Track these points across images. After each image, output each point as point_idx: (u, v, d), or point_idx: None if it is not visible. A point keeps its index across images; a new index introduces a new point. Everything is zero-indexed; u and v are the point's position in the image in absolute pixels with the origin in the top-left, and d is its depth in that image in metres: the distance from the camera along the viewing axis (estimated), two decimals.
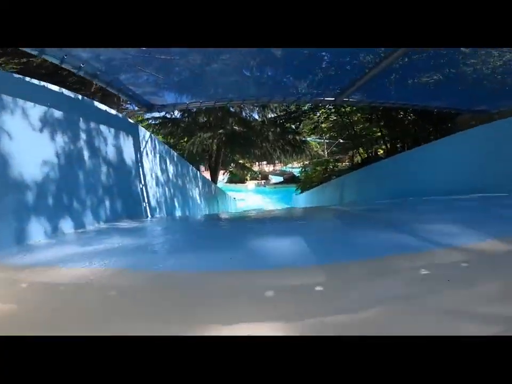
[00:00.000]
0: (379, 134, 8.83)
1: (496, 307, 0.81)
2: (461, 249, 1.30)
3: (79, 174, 2.49)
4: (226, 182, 21.50)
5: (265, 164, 21.47)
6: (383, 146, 9.48)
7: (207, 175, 12.05)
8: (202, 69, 3.00)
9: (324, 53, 2.88)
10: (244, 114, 11.14)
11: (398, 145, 8.11)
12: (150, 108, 3.93)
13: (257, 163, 17.89)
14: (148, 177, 3.97)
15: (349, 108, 8.71)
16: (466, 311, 0.81)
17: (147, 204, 3.79)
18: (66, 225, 2.23)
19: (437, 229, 1.71)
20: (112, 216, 2.84)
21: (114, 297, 1.08)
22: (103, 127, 2.92)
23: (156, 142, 4.42)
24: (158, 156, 4.40)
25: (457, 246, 1.33)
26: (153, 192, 4.06)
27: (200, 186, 7.45)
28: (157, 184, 4.24)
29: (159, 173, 4.39)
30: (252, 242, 1.82)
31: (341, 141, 11.57)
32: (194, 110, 10.54)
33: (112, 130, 3.10)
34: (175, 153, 5.46)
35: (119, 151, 3.19)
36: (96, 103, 2.97)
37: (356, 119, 9.19)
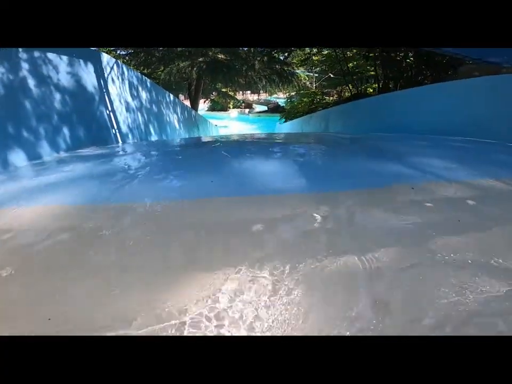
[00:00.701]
0: (372, 72, 8.30)
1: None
2: (463, 184, 1.39)
3: (25, 103, 2.22)
4: (207, 110, 20.19)
5: (250, 93, 20.03)
6: (374, 85, 9.03)
7: (186, 103, 11.24)
8: None
9: None
10: None
11: (391, 86, 7.77)
12: None
13: (241, 92, 16.60)
14: (116, 104, 3.62)
15: None
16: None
17: (117, 130, 3.58)
18: (18, 158, 2.07)
19: (435, 163, 1.80)
20: (74, 144, 2.68)
21: (76, 238, 1.00)
22: (51, 55, 2.53)
23: (124, 68, 3.89)
24: (127, 82, 3.93)
25: (458, 181, 1.42)
26: (123, 118, 3.77)
27: (179, 113, 7.00)
28: (127, 110, 3.90)
29: (130, 99, 3.99)
30: (235, 166, 1.77)
31: (332, 75, 10.76)
32: None
33: (64, 58, 2.71)
34: (148, 80, 4.89)
35: (75, 78, 2.85)
36: None
37: (350, 55, 8.40)
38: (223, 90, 12.99)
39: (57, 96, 2.57)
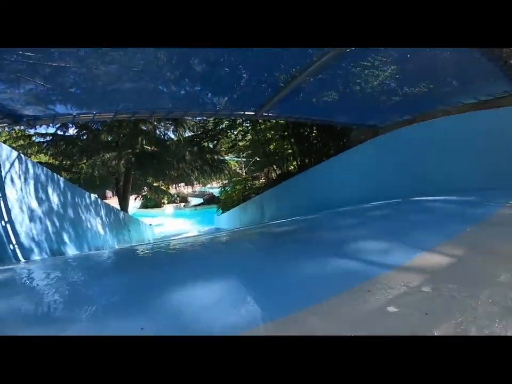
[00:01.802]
0: (290, 150, 9.49)
1: None
2: (406, 268, 1.20)
3: None
4: (140, 208, 19.42)
5: (183, 186, 20.48)
6: (294, 163, 10.24)
7: (114, 201, 10.51)
8: (102, 77, 2.46)
9: (243, 71, 2.86)
10: (158, 132, 10.30)
11: (306, 161, 8.86)
12: (17, 120, 3.00)
13: (174, 185, 16.84)
14: (16, 211, 2.97)
15: (264, 125, 9.13)
16: None
17: (16, 244, 2.81)
18: None
19: (370, 247, 1.62)
20: None
21: None
22: None
23: (29, 164, 3.40)
24: (31, 182, 3.38)
25: (399, 266, 1.23)
26: (25, 228, 3.06)
27: (103, 216, 6.28)
28: (31, 219, 3.21)
29: (35, 204, 3.36)
30: (170, 296, 1.29)
31: (257, 158, 11.96)
32: (95, 126, 9.15)
33: None
34: (62, 178, 4.39)
35: None
36: None
37: (270, 136, 9.64)
38: (155, 184, 12.86)
39: None
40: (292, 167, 10.80)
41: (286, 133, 8.16)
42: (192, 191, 22.85)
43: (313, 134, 7.73)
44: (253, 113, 3.90)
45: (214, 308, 1.08)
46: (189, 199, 22.77)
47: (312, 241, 2.14)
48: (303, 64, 2.69)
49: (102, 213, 6.29)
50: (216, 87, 3.16)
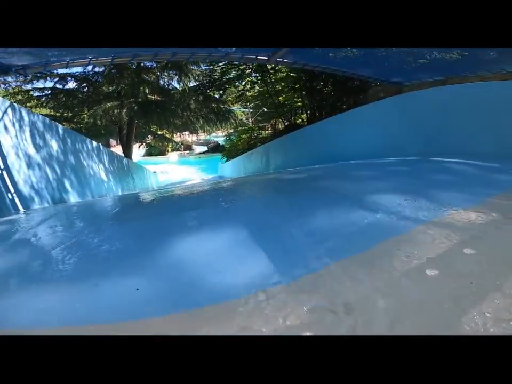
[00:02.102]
0: (300, 103, 8.94)
1: None
2: (438, 224, 1.10)
3: None
4: (144, 156, 19.34)
5: (188, 134, 19.97)
6: (303, 115, 9.74)
7: (118, 149, 10.43)
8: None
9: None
10: (161, 82, 9.71)
11: (317, 114, 8.40)
12: (5, 70, 2.75)
13: (178, 133, 16.40)
14: (12, 158, 2.90)
15: (274, 77, 8.43)
16: None
17: (14, 193, 2.81)
18: None
19: (395, 201, 1.48)
20: None
21: None
22: None
23: (23, 112, 3.22)
24: (27, 129, 3.25)
25: (430, 221, 1.11)
26: (23, 176, 3.03)
27: (106, 163, 6.24)
28: (29, 166, 3.17)
29: (32, 151, 3.28)
30: (175, 249, 1.19)
31: (265, 109, 11.38)
32: (95, 78, 8.70)
33: None
34: (60, 126, 4.21)
35: None
36: None
37: (280, 88, 9.03)
38: (159, 133, 12.58)
39: None
40: (300, 120, 10.33)
41: (297, 85, 7.58)
42: (197, 139, 22.40)
43: (327, 88, 7.16)
44: (266, 58, 3.55)
45: (222, 264, 0.98)
46: (193, 147, 22.46)
47: (330, 190, 1.98)
48: None
49: (105, 159, 6.24)
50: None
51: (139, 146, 14.19)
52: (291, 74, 7.60)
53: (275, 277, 0.87)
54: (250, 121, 14.01)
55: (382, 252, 0.95)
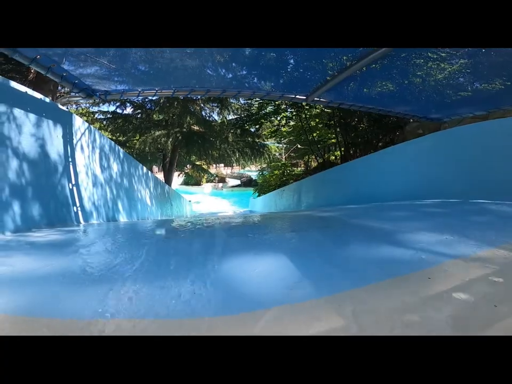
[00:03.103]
0: (333, 140, 9.16)
1: None
2: (470, 260, 1.15)
3: None
4: (181, 184, 20.52)
5: (223, 166, 21.02)
6: (337, 152, 9.89)
7: (160, 176, 11.25)
8: (163, 62, 2.66)
9: (290, 56, 2.82)
10: (203, 114, 10.67)
11: (351, 152, 8.50)
12: (90, 94, 3.33)
13: (214, 165, 17.37)
14: (82, 176, 3.36)
15: (309, 113, 8.85)
16: None
17: (79, 208, 3.18)
18: None
19: (428, 239, 1.54)
20: (25, 225, 2.24)
21: None
22: (17, 112, 2.32)
23: (97, 135, 3.79)
24: (97, 150, 3.77)
25: (463, 257, 1.17)
26: (88, 193, 3.45)
27: (151, 188, 6.79)
28: (94, 184, 3.62)
29: (98, 171, 3.76)
30: (221, 265, 1.32)
31: (299, 145, 11.77)
32: (149, 105, 9.78)
33: (32, 116, 2.49)
34: (121, 149, 4.81)
35: (39, 142, 2.59)
36: (10, 82, 2.34)
37: (314, 124, 9.39)
38: (197, 163, 13.44)
39: (14, 163, 2.25)
40: (334, 158, 10.46)
41: (331, 122, 7.85)
42: (231, 172, 23.40)
43: (362, 125, 7.33)
44: (304, 97, 3.85)
45: (264, 281, 1.09)
46: (227, 179, 23.44)
47: (363, 228, 2.06)
48: (355, 53, 2.57)
49: (151, 185, 6.80)
50: (262, 71, 3.18)
51: (178, 175, 15.17)
52: (326, 110, 7.92)
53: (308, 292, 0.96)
54: (284, 157, 14.46)
55: (413, 278, 1.02)
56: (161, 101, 9.40)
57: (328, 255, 1.36)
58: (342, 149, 8.73)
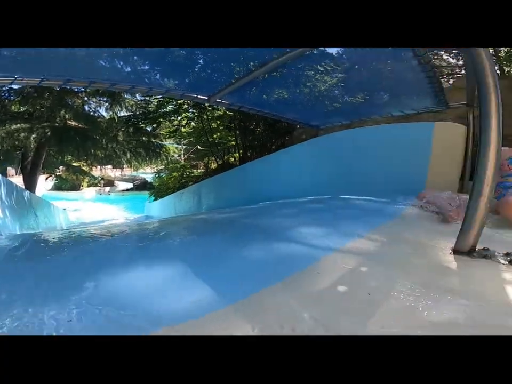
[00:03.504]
0: (233, 142, 9.47)
1: None
2: (343, 251, 1.29)
3: None
4: (51, 190, 16.60)
5: (110, 168, 18.31)
6: (236, 154, 10.27)
7: (18, 180, 8.77)
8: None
9: (200, 57, 2.71)
10: (86, 108, 8.96)
11: (248, 154, 9.00)
12: None
13: (99, 167, 14.86)
14: None
15: (211, 114, 8.79)
16: None
17: None
18: None
19: (311, 233, 1.68)
20: None
21: None
22: None
23: None
24: None
25: (337, 249, 1.31)
26: None
27: (3, 195, 5.11)
28: None
29: None
30: (106, 283, 1.05)
31: (199, 147, 11.54)
32: (6, 95, 7.54)
33: None
34: None
35: None
36: None
37: (215, 126, 9.41)
38: (75, 164, 11.17)
39: None
40: (233, 159, 10.82)
41: (232, 124, 8.09)
42: (121, 174, 20.67)
43: (259, 129, 7.87)
44: (206, 97, 3.73)
45: (157, 297, 0.92)
46: (116, 183, 20.50)
47: (258, 227, 2.11)
48: (262, 60, 2.67)
49: (2, 191, 5.12)
50: (167, 68, 2.92)
51: (46, 179, 12.18)
52: (228, 112, 8.10)
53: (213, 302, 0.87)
54: (183, 158, 13.89)
55: (305, 274, 1.08)
56: (26, 90, 7.37)
57: (225, 260, 1.29)
58: (241, 151, 9.14)
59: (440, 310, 0.74)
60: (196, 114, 8.94)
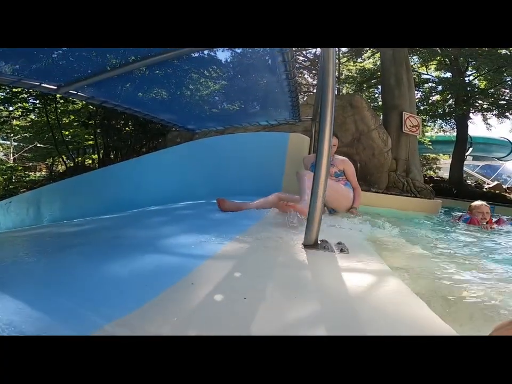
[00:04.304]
0: (92, 142, 8.13)
1: None
2: (218, 257, 1.29)
3: None
4: None
5: None
6: (94, 156, 8.82)
7: None
8: None
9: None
10: None
11: (111, 156, 7.96)
12: None
13: None
14: None
15: (64, 107, 7.09)
16: None
17: None
18: None
19: (185, 242, 1.57)
20: None
21: None
22: None
23: None
24: None
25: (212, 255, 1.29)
26: None
27: None
28: None
29: None
30: None
31: (39, 145, 9.05)
32: None
33: None
34: None
35: None
36: None
37: (67, 121, 7.70)
38: None
39: None
40: (91, 161, 9.22)
41: (91, 121, 6.92)
42: None
43: (128, 128, 7.15)
44: (55, 87, 2.89)
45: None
46: None
47: (121, 240, 1.71)
48: (144, 53, 2.39)
49: None
50: (7, 50, 2.17)
51: None
52: (90, 106, 6.86)
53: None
54: (12, 158, 10.47)
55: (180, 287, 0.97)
56: None
57: (76, 284, 0.96)
58: (102, 152, 7.95)
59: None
60: (40, 105, 7.04)
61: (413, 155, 7.19)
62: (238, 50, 2.69)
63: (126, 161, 5.70)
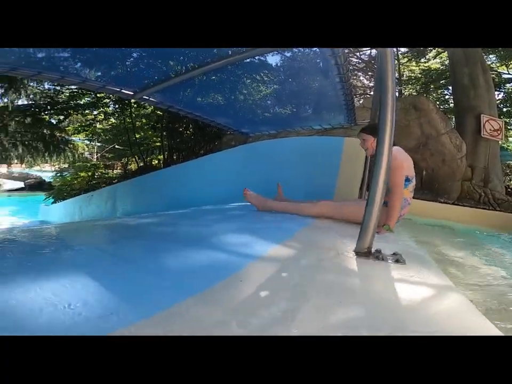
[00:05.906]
0: (158, 143, 9.01)
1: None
2: (266, 258, 1.31)
3: None
4: None
5: None
6: (160, 156, 9.75)
7: None
8: None
9: (135, 50, 2.39)
10: None
11: (174, 157, 8.69)
12: None
13: None
14: None
15: (136, 112, 8.08)
16: None
17: None
18: None
19: (235, 241, 1.65)
20: None
21: None
22: None
23: None
24: None
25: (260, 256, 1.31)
26: None
27: None
28: None
29: None
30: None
31: (117, 146, 10.39)
32: None
33: None
34: None
35: None
36: None
37: (139, 125, 8.70)
38: None
39: None
40: (157, 161, 10.21)
41: (159, 125, 7.70)
42: (7, 171, 16.57)
43: (188, 132, 7.75)
44: (132, 93, 3.34)
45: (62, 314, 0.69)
46: (1, 181, 16.30)
47: (178, 235, 1.92)
48: (201, 61, 2.60)
49: None
50: (92, 57, 2.53)
51: None
52: (157, 111, 7.65)
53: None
54: (95, 157, 12.24)
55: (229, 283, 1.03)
56: None
57: (140, 271, 1.10)
58: (166, 153, 8.75)
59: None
60: (118, 110, 8.11)
61: (494, 163, 6.24)
62: (288, 53, 2.69)
63: (184, 162, 6.18)
